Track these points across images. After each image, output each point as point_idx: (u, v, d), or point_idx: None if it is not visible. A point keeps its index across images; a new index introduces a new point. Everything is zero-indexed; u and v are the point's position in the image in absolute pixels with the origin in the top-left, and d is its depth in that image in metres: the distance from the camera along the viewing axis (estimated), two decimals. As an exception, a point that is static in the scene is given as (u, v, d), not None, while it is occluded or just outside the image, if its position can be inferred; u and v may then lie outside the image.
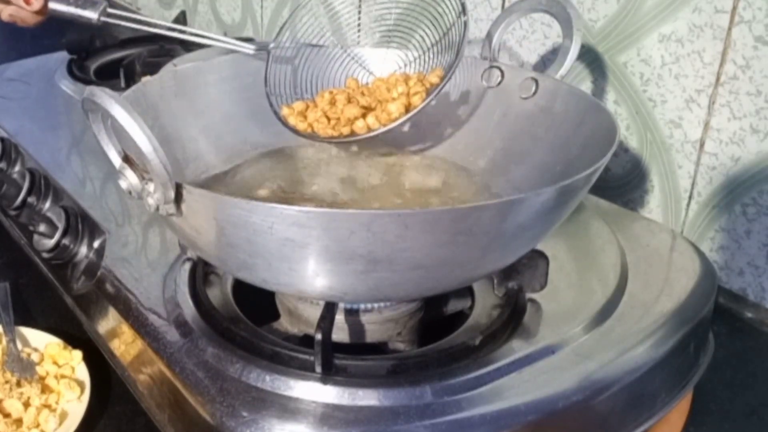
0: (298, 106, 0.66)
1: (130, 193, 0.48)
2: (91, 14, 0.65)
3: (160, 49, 1.10)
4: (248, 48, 0.67)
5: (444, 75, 0.63)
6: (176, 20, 1.21)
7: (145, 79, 0.91)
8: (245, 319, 0.56)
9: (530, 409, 0.49)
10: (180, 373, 0.52)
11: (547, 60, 0.85)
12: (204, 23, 1.42)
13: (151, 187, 0.47)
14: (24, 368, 0.62)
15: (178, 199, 0.47)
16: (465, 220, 0.45)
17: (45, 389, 0.60)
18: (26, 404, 0.59)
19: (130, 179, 0.48)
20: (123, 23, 0.66)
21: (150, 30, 0.67)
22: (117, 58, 1.08)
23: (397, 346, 0.58)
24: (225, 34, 1.18)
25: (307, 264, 0.46)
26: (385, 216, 0.44)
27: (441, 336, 0.55)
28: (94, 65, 1.07)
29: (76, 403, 0.59)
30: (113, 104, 0.44)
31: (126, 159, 0.48)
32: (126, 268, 0.63)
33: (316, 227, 0.44)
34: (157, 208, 0.47)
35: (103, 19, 0.66)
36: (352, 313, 0.56)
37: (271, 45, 0.69)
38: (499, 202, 0.49)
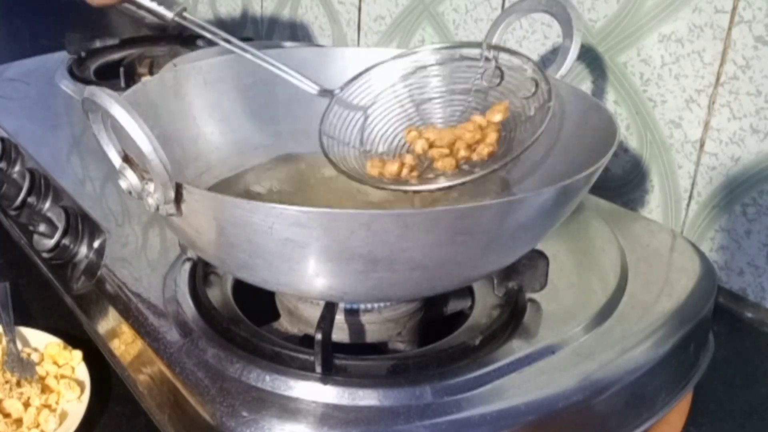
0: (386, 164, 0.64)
1: (130, 193, 0.48)
2: (167, 12, 0.66)
3: (160, 49, 1.10)
4: (312, 87, 0.67)
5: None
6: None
7: (145, 79, 0.91)
8: (245, 319, 0.56)
9: (530, 409, 0.49)
10: (180, 373, 0.52)
11: (547, 60, 0.85)
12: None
13: (151, 187, 0.47)
14: (24, 368, 0.62)
15: (178, 199, 0.47)
16: (465, 220, 0.45)
17: (45, 389, 0.60)
18: (26, 404, 0.59)
19: (130, 179, 0.48)
20: (193, 28, 0.66)
21: (217, 41, 0.66)
22: (117, 58, 1.08)
23: (397, 346, 0.58)
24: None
25: (307, 264, 0.46)
26: (385, 216, 0.44)
27: (441, 336, 0.55)
28: (94, 65, 1.07)
29: (76, 403, 0.59)
30: (113, 104, 0.44)
31: (126, 159, 0.48)
32: (126, 268, 0.63)
33: (317, 227, 0.44)
34: (157, 208, 0.47)
35: (176, 19, 0.67)
36: (352, 313, 0.56)
37: (337, 90, 0.68)
38: (499, 202, 0.49)
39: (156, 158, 0.44)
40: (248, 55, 0.66)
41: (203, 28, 0.66)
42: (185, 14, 0.66)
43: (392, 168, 0.62)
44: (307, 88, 0.67)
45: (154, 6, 0.65)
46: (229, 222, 0.46)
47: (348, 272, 0.47)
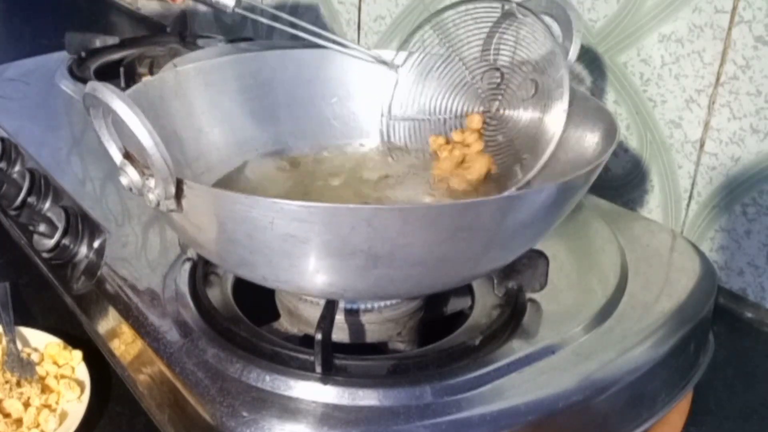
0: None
1: (130, 189, 0.48)
2: (228, 1, 0.65)
3: (160, 49, 1.10)
4: (374, 58, 0.66)
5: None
6: (176, 20, 1.21)
7: (145, 79, 0.91)
8: (245, 319, 0.56)
9: (530, 409, 0.49)
10: (180, 373, 0.52)
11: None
12: (204, 23, 1.42)
13: (151, 182, 0.47)
14: (24, 368, 0.62)
15: (179, 194, 0.47)
16: (465, 216, 0.45)
17: (45, 389, 0.60)
18: (26, 404, 0.59)
19: (130, 175, 0.48)
20: (253, 16, 0.65)
21: (276, 26, 0.65)
22: (117, 58, 1.08)
23: (397, 346, 0.58)
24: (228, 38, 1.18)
25: (307, 260, 0.46)
26: (385, 211, 0.44)
27: (441, 336, 0.55)
28: (94, 65, 1.07)
29: (76, 403, 0.59)
30: (114, 99, 0.44)
31: (127, 155, 0.48)
32: (126, 268, 0.63)
33: (317, 222, 0.44)
34: (158, 204, 0.47)
35: (237, 10, 0.66)
36: (352, 313, 0.56)
37: (397, 62, 0.68)
38: (499, 198, 0.49)
39: (157, 153, 0.44)
40: (310, 36, 0.66)
41: (264, 14, 0.65)
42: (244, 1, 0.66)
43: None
44: (372, 61, 0.67)
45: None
46: (230, 217, 0.46)
47: (348, 268, 0.47)
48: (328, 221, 0.44)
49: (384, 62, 0.67)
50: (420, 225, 0.44)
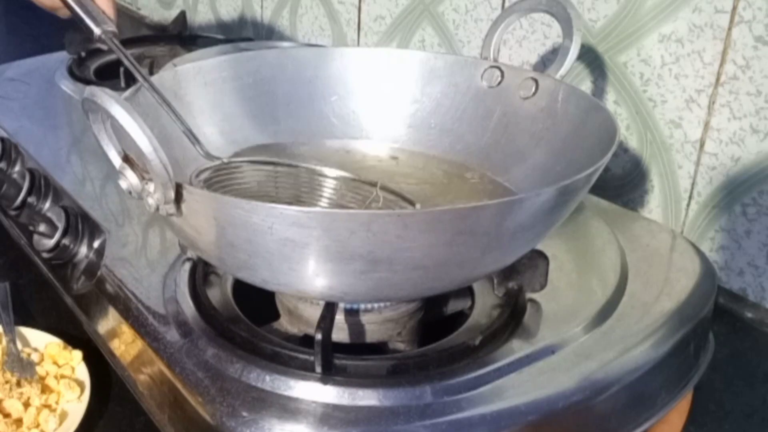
0: None
1: (130, 193, 0.48)
2: (95, 28, 0.65)
3: (160, 49, 1.10)
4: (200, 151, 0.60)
5: None
6: (176, 20, 1.21)
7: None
8: (245, 319, 0.56)
9: (530, 409, 0.49)
10: (180, 373, 0.52)
11: (547, 60, 0.85)
12: (204, 23, 1.42)
13: (151, 187, 0.47)
14: (24, 368, 0.62)
15: (179, 199, 0.47)
16: (465, 220, 0.45)
17: (45, 389, 0.60)
18: (26, 404, 0.59)
19: (130, 179, 0.48)
20: (116, 51, 0.65)
21: (135, 74, 0.64)
22: (117, 58, 1.08)
23: (397, 346, 0.58)
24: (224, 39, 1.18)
25: (307, 264, 0.46)
26: (384, 216, 0.44)
27: (441, 336, 0.55)
28: (94, 65, 1.07)
29: (76, 403, 0.59)
30: (113, 104, 0.44)
31: (126, 159, 0.48)
32: (126, 268, 0.63)
33: (316, 227, 0.44)
34: (157, 208, 0.47)
35: (103, 37, 0.66)
36: (352, 313, 0.56)
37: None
38: (499, 202, 0.48)
39: (156, 158, 0.44)
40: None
41: (125, 56, 0.64)
42: (113, 39, 0.65)
43: None
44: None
45: (83, 16, 0.65)
46: (229, 222, 0.46)
47: (348, 272, 0.47)
48: (327, 226, 0.44)
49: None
50: (419, 230, 0.44)
